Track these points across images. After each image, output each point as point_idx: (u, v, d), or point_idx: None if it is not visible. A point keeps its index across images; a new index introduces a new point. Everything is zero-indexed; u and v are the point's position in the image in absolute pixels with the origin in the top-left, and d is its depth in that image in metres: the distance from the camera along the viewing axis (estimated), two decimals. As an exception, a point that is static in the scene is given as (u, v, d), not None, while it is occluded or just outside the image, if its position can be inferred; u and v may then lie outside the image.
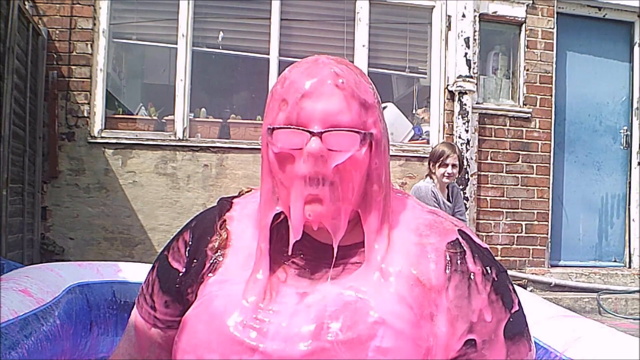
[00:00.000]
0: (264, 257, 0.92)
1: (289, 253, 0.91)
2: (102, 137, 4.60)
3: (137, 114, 4.85)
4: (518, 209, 5.21)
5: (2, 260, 3.01)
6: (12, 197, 3.76)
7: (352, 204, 0.90)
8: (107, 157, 4.59)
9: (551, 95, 5.29)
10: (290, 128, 0.87)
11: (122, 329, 1.12)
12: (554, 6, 5.28)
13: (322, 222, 0.88)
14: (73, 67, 4.57)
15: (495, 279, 0.91)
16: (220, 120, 4.89)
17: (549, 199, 5.29)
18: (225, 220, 1.00)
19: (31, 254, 4.24)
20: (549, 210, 5.29)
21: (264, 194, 0.94)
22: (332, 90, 0.87)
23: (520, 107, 5.24)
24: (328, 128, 0.86)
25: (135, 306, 1.08)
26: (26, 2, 4.33)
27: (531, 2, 5.22)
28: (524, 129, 5.23)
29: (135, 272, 2.35)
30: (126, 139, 4.62)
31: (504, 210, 5.19)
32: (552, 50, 5.28)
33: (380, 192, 0.92)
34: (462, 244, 0.92)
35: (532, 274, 5.13)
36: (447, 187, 3.79)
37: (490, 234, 5.12)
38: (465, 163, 4.41)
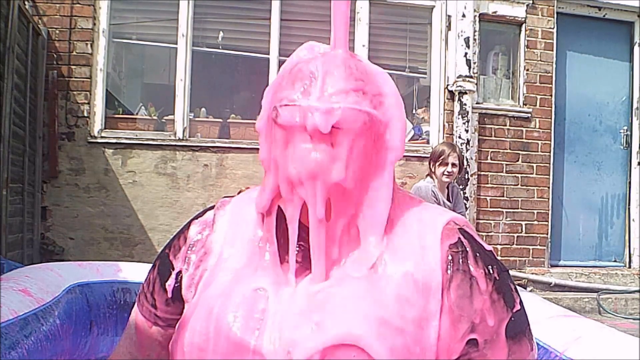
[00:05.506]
0: (264, 256, 0.92)
1: (290, 250, 0.91)
2: (102, 137, 4.60)
3: (137, 113, 4.85)
4: (518, 209, 5.21)
5: (2, 260, 3.01)
6: (12, 197, 3.75)
7: (351, 193, 0.89)
8: (107, 157, 4.59)
9: (551, 95, 5.29)
10: (294, 105, 0.87)
11: (122, 329, 1.11)
12: (554, 6, 5.28)
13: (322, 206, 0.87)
14: (73, 67, 4.57)
15: (497, 278, 0.90)
16: (220, 120, 4.89)
17: (549, 199, 5.29)
18: (225, 219, 1.01)
19: (31, 253, 4.23)
20: (549, 210, 5.29)
21: (266, 189, 0.93)
22: (339, 70, 0.89)
23: (520, 107, 5.24)
24: (331, 105, 0.86)
25: (136, 304, 1.07)
26: (26, 2, 4.33)
27: (531, 2, 5.22)
28: (524, 129, 5.22)
29: (135, 272, 2.34)
30: (126, 138, 4.62)
31: (504, 210, 5.19)
32: (552, 50, 5.28)
33: (381, 189, 0.91)
34: (464, 244, 0.91)
35: (532, 274, 5.13)
36: (447, 187, 3.79)
37: (490, 234, 5.12)
38: (465, 163, 4.41)
